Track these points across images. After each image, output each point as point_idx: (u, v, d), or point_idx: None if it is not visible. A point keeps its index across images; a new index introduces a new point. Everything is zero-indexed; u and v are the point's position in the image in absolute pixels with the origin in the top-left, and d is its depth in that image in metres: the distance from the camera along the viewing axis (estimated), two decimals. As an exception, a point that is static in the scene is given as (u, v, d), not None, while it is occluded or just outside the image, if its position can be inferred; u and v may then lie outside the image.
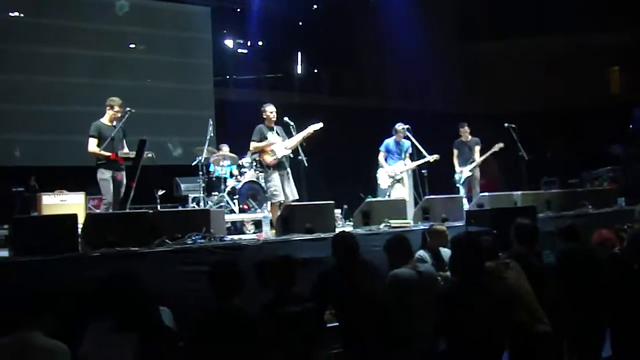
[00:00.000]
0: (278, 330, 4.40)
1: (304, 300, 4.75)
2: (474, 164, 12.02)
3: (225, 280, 4.34)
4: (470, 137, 12.30)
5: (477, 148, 12.16)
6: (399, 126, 11.10)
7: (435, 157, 10.85)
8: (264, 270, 4.89)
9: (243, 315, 4.25)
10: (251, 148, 9.64)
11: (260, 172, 11.53)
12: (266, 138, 9.47)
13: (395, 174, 10.90)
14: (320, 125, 9.56)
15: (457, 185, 12.10)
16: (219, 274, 4.39)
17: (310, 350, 4.71)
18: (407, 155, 11.11)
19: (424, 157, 10.84)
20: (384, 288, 5.33)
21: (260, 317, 4.42)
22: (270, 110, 9.58)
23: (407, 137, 11.09)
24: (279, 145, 9.43)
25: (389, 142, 11.22)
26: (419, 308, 5.12)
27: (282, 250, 6.31)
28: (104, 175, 8.79)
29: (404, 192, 10.92)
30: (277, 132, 9.61)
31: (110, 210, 8.58)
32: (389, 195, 10.81)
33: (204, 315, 4.31)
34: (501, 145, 11.85)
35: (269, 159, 9.40)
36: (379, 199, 10.60)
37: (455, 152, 12.26)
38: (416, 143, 10.95)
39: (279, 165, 9.42)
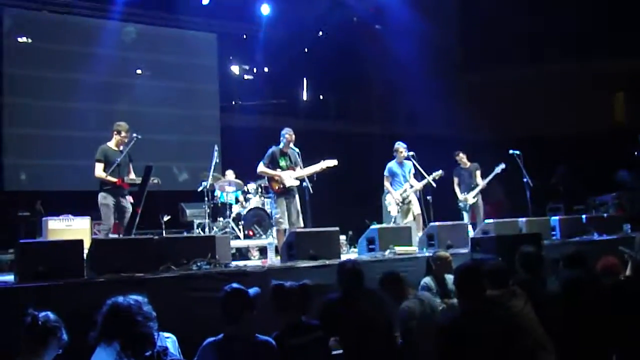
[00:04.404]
0: (287, 358, 4.40)
1: (313, 329, 4.74)
2: (477, 189, 12.00)
3: (236, 305, 4.37)
4: (469, 162, 12.33)
5: (478, 173, 12.17)
6: (398, 145, 11.05)
7: (439, 173, 10.80)
8: (281, 295, 4.88)
9: (253, 341, 4.27)
10: (258, 170, 9.60)
11: (267, 197, 11.55)
12: (277, 163, 9.46)
13: (401, 200, 10.82)
14: (335, 162, 9.55)
15: (462, 212, 12.07)
16: (230, 299, 4.41)
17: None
18: (411, 176, 10.98)
19: (426, 178, 10.77)
20: (397, 321, 5.34)
21: (270, 344, 4.43)
22: (290, 134, 9.56)
23: (408, 158, 11.06)
24: (288, 175, 9.41)
25: (392, 165, 11.09)
26: (421, 335, 5.13)
27: (287, 277, 6.30)
28: (107, 200, 8.82)
29: (416, 207, 10.83)
30: (289, 157, 9.59)
31: (110, 236, 8.59)
32: (394, 221, 10.74)
33: (215, 339, 4.32)
34: (502, 166, 11.82)
35: (275, 186, 9.40)
36: (384, 225, 10.56)
37: (456, 179, 12.26)
38: (417, 165, 10.92)
39: (286, 192, 9.41)
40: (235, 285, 4.62)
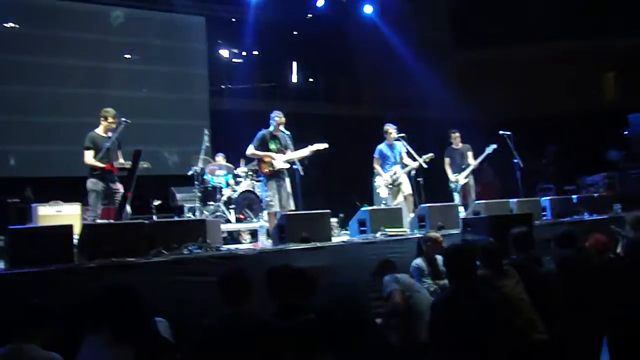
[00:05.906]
0: (283, 340, 4.40)
1: (306, 311, 4.74)
2: (469, 170, 11.99)
3: (236, 286, 4.36)
4: (461, 143, 12.30)
5: (470, 154, 12.16)
6: (388, 126, 11.01)
7: (430, 155, 10.74)
8: (277, 280, 4.86)
9: (254, 321, 4.26)
10: (248, 152, 9.55)
11: (257, 180, 11.51)
12: (268, 146, 9.40)
13: (391, 182, 10.81)
14: (325, 145, 9.50)
15: (453, 193, 12.07)
16: (229, 281, 4.40)
17: (315, 356, 4.71)
18: (404, 156, 10.93)
19: (417, 160, 10.72)
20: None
21: (271, 324, 4.43)
22: (280, 117, 9.49)
23: (398, 140, 11.02)
24: (278, 157, 9.38)
25: (381, 147, 11.09)
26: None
27: (278, 259, 6.29)
28: (96, 186, 8.77)
29: (406, 187, 10.83)
30: (280, 140, 9.54)
31: (97, 222, 8.55)
32: (385, 204, 10.74)
33: (213, 321, 4.29)
34: (494, 146, 11.78)
35: (265, 168, 9.36)
36: (375, 207, 10.56)
37: (447, 159, 12.23)
38: (409, 148, 10.89)
39: (276, 175, 9.37)
40: (233, 266, 4.62)
